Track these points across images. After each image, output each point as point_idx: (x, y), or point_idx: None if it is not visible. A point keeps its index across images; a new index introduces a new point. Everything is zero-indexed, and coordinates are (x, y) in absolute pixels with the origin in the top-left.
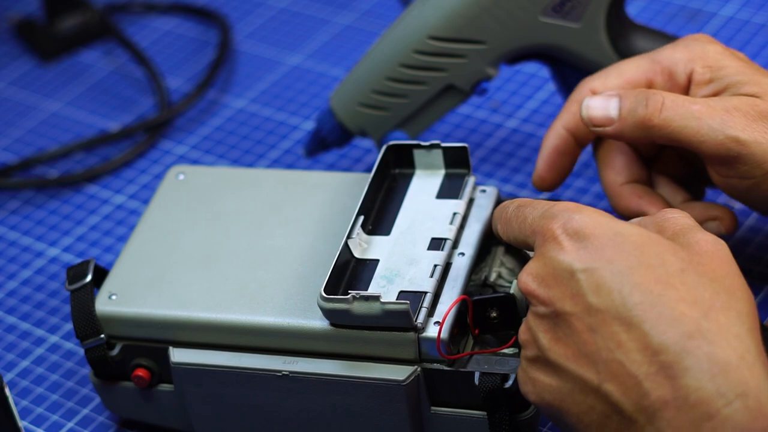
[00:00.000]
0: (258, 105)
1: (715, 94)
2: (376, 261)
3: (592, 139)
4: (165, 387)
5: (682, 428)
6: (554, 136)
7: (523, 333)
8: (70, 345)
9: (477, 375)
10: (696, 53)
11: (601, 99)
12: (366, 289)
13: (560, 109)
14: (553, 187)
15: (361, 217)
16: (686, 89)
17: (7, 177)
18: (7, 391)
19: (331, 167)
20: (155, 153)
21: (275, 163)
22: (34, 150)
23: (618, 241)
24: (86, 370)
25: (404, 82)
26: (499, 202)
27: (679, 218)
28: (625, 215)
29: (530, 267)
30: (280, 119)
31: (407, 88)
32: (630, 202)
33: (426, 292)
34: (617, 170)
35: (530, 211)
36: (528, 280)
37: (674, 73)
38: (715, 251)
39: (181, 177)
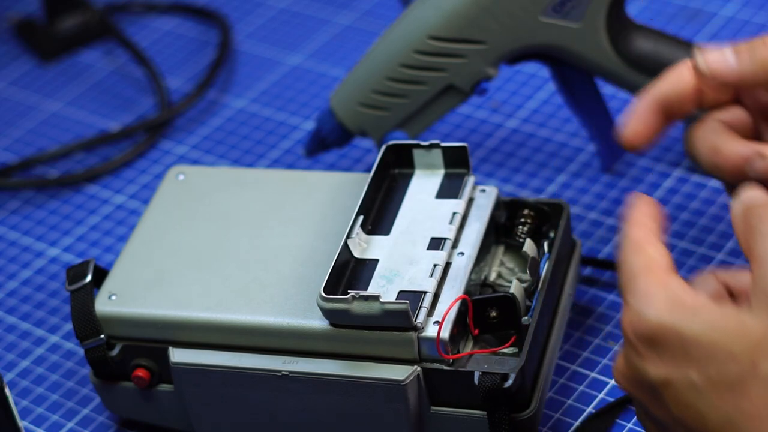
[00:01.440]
0: (258, 105)
1: None
2: (376, 261)
3: (680, 116)
4: (165, 387)
5: None
6: (645, 102)
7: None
8: (70, 345)
9: (477, 375)
10: None
11: (714, 50)
12: (366, 289)
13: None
14: (640, 149)
15: (361, 217)
16: None
17: (7, 177)
18: (7, 391)
19: (331, 167)
20: (155, 153)
21: (275, 163)
22: (34, 150)
23: (687, 350)
24: (86, 370)
25: (404, 82)
26: (499, 201)
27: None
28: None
29: (618, 363)
30: (280, 119)
31: (407, 88)
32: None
33: (426, 292)
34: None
35: (629, 262)
36: (619, 378)
37: None
38: None
39: (181, 177)
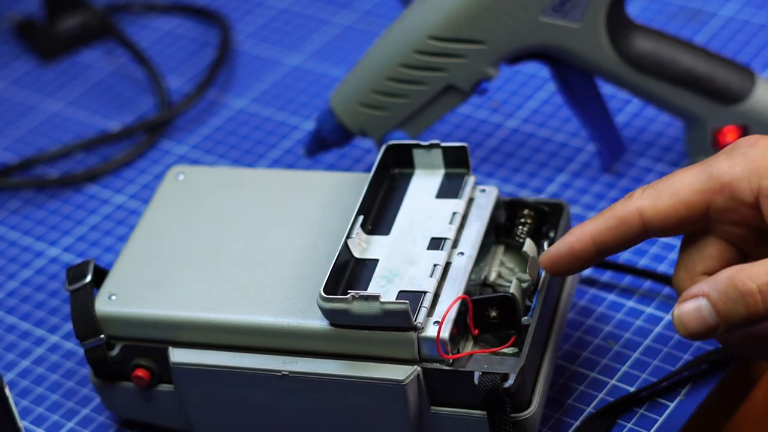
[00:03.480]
0: (258, 105)
1: None
2: (376, 261)
3: (617, 251)
4: (165, 387)
5: None
6: (578, 241)
7: None
8: (70, 345)
9: (477, 375)
10: (759, 164)
11: (690, 308)
12: (365, 289)
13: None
14: (559, 275)
15: (361, 217)
16: (754, 206)
17: (7, 177)
18: (7, 391)
19: (331, 167)
20: (155, 153)
21: (275, 163)
22: (34, 150)
23: None
24: (86, 370)
25: (404, 82)
26: (499, 201)
27: None
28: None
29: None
30: (280, 119)
31: (407, 88)
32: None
33: (425, 292)
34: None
35: None
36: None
37: (737, 191)
38: None
39: (181, 177)
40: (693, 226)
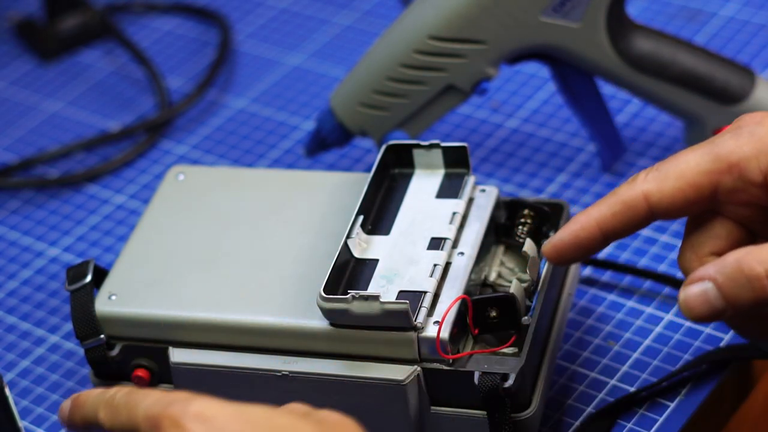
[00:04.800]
0: (258, 105)
1: None
2: (376, 261)
3: (622, 236)
4: (165, 387)
5: None
6: (582, 228)
7: None
8: (70, 345)
9: (477, 375)
10: (767, 142)
11: (696, 291)
12: (365, 289)
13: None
14: (563, 264)
15: (361, 217)
16: (763, 186)
17: (7, 177)
18: (7, 391)
19: (331, 167)
20: (155, 153)
21: (275, 163)
22: (34, 150)
23: (243, 417)
24: (86, 370)
25: (404, 82)
26: (499, 201)
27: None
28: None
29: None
30: (280, 119)
31: (407, 88)
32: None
33: (425, 292)
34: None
35: (142, 398)
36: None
37: (745, 170)
38: (344, 423)
39: (181, 177)
40: (700, 208)
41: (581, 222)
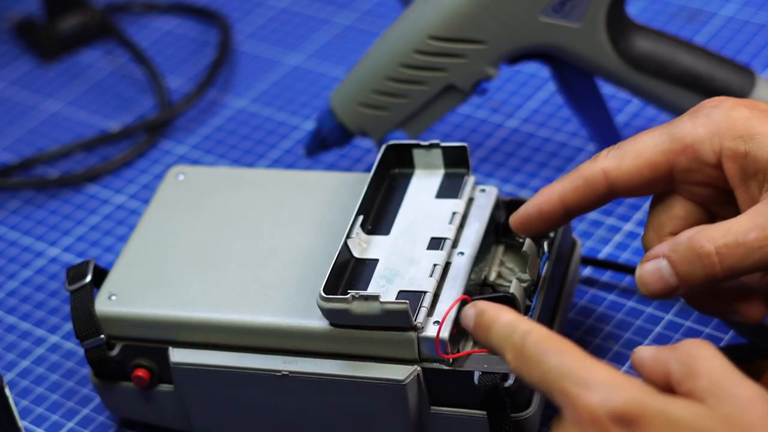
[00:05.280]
0: (258, 105)
1: (755, 173)
2: (376, 261)
3: (583, 212)
4: (165, 387)
5: None
6: (545, 201)
7: None
8: (70, 345)
9: (476, 374)
10: (721, 124)
11: (650, 268)
12: (365, 289)
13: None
14: (528, 235)
15: (361, 217)
16: (717, 167)
17: (7, 177)
18: (7, 391)
19: (331, 167)
20: (155, 153)
21: (275, 163)
22: (34, 150)
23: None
24: (86, 370)
25: (404, 82)
26: (498, 201)
27: (709, 359)
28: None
29: None
30: (280, 119)
31: (407, 88)
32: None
33: (425, 292)
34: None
35: (556, 360)
36: None
37: (700, 152)
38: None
39: (181, 177)
40: (658, 187)
41: (544, 196)
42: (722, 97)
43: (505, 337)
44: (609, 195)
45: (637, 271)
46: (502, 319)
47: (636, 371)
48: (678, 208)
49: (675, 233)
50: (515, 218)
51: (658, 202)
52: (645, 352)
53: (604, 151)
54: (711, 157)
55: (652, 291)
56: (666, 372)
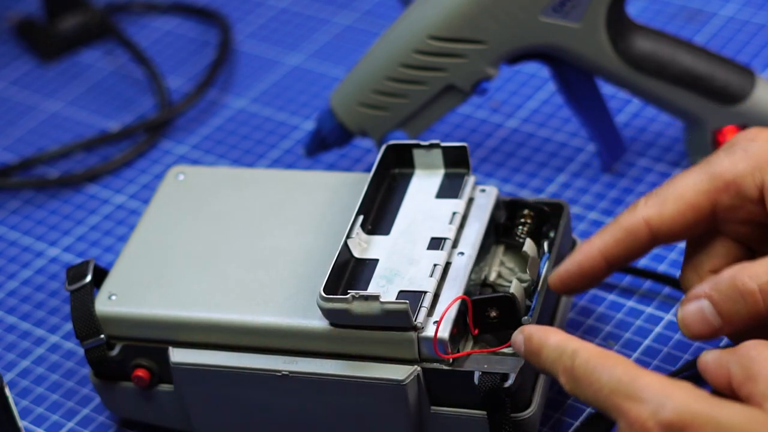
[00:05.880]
0: (258, 105)
1: None
2: (376, 261)
3: (626, 263)
4: (165, 387)
5: None
6: (586, 258)
7: None
8: (70, 345)
9: (476, 374)
10: (761, 158)
11: (692, 309)
12: (365, 289)
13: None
14: (570, 295)
15: (361, 217)
16: (759, 202)
17: (7, 177)
18: (7, 391)
19: (331, 167)
20: (155, 153)
21: (275, 163)
22: (34, 150)
23: None
24: (86, 370)
25: (404, 82)
26: (498, 201)
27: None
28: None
29: None
30: (280, 119)
31: (407, 88)
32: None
33: (425, 292)
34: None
35: (606, 376)
36: None
37: (742, 187)
38: None
39: (181, 177)
40: (700, 228)
41: (585, 252)
42: (756, 129)
43: (555, 360)
44: (652, 243)
45: (679, 313)
46: (550, 342)
47: (702, 377)
48: (718, 246)
49: (715, 272)
50: (555, 278)
51: (697, 241)
52: (708, 356)
53: (643, 199)
54: (754, 192)
55: (695, 333)
56: (728, 376)
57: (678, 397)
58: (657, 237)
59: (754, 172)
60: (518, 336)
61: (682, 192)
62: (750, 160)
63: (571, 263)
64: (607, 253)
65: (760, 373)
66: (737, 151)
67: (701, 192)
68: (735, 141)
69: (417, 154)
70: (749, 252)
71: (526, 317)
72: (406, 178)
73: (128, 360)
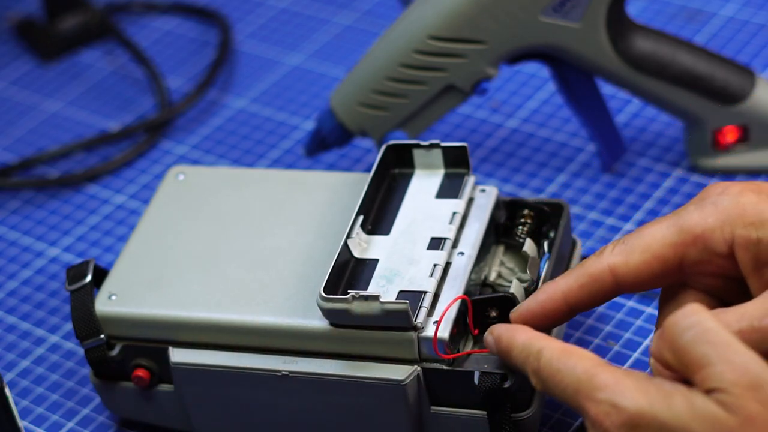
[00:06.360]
0: (258, 105)
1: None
2: (376, 261)
3: (588, 308)
4: (165, 387)
5: None
6: (549, 299)
7: None
8: (70, 345)
9: (476, 374)
10: (731, 212)
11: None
12: (365, 289)
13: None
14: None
15: (361, 217)
16: (728, 257)
17: (7, 177)
18: (7, 391)
19: (331, 167)
20: (155, 153)
21: (275, 163)
22: (34, 150)
23: None
24: (86, 370)
25: (404, 82)
26: (498, 201)
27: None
28: None
29: None
30: (280, 119)
31: (407, 88)
32: None
33: (425, 292)
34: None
35: (568, 376)
36: None
37: (710, 242)
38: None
39: (181, 177)
40: (667, 280)
41: (548, 292)
42: (726, 183)
43: (524, 361)
44: (615, 291)
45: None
46: (518, 341)
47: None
48: (689, 300)
49: None
50: (516, 315)
51: (668, 297)
52: (652, 348)
53: (610, 246)
54: (722, 247)
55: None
56: (668, 365)
57: (629, 395)
58: (621, 285)
59: (723, 226)
60: (488, 337)
61: (649, 242)
62: (719, 215)
63: (534, 302)
64: (570, 297)
65: (691, 361)
66: (707, 205)
67: (668, 245)
68: (705, 194)
69: (417, 154)
70: (722, 304)
71: None
72: (406, 178)
73: (128, 360)
